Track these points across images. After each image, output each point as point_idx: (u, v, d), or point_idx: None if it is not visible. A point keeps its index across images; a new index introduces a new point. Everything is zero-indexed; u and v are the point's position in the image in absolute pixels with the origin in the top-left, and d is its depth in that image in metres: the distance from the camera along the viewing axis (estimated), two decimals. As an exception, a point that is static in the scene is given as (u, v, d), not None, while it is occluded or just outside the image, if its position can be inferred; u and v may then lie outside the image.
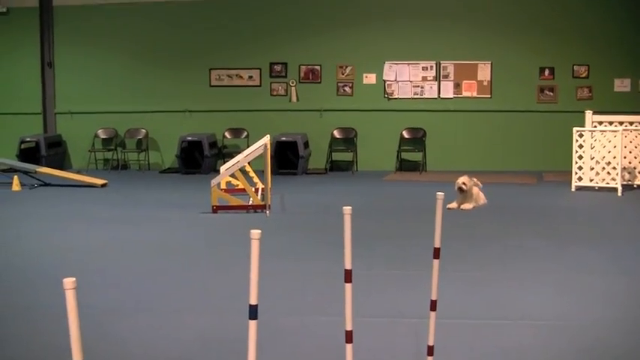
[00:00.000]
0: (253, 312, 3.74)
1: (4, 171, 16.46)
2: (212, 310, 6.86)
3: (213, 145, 17.84)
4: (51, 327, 6.35)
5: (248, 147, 15.19)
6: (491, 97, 17.64)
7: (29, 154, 17.88)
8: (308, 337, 6.08)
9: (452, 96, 17.78)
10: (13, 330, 6.39)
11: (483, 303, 6.88)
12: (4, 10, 19.14)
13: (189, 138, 17.52)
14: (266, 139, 12.60)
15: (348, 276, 4.27)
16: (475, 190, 12.34)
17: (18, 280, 8.10)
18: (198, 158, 17.58)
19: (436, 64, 17.78)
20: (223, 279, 8.02)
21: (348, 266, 4.25)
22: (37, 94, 19.22)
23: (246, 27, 18.28)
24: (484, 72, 17.67)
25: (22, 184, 15.28)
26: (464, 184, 12.05)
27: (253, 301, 3.74)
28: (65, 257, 9.20)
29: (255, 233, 3.69)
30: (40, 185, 15.59)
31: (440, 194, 4.72)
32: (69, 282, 3.19)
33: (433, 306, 4.81)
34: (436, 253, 4.74)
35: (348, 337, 4.35)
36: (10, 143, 18.31)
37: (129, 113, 18.77)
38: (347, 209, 4.17)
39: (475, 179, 12.45)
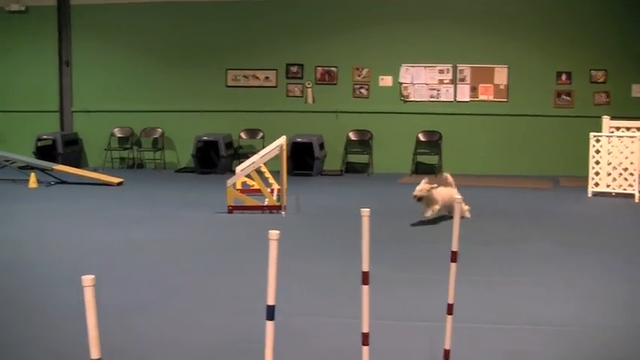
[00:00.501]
0: (271, 312, 3.75)
1: (21, 168, 16.54)
2: (226, 310, 6.86)
3: (229, 145, 17.86)
4: (66, 324, 6.37)
5: (264, 148, 15.19)
6: (507, 101, 17.59)
7: (46, 151, 17.96)
8: (323, 339, 6.08)
9: (468, 99, 17.75)
10: (27, 328, 6.42)
11: (494, 307, 6.87)
12: (23, 8, 19.25)
13: (205, 138, 17.55)
14: (282, 140, 12.60)
15: (365, 278, 4.27)
16: (434, 192, 11.18)
17: (33, 278, 8.13)
18: (214, 158, 17.60)
19: (453, 67, 17.75)
20: (238, 279, 8.03)
21: (365, 268, 4.26)
22: (55, 92, 19.32)
23: (263, 28, 18.30)
24: (501, 76, 17.63)
25: (39, 182, 15.36)
26: (420, 191, 11.04)
27: (271, 301, 3.75)
28: (80, 255, 9.23)
29: (274, 234, 3.70)
30: (57, 183, 15.65)
31: (458, 198, 4.72)
32: (87, 279, 3.20)
33: (450, 309, 4.81)
34: (453, 256, 4.73)
35: (365, 339, 4.35)
36: (28, 140, 18.42)
37: (145, 112, 18.82)
38: (365, 211, 4.18)
39: (448, 178, 11.83)
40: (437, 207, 11.06)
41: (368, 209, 4.16)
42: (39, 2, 19.18)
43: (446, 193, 11.34)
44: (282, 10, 18.20)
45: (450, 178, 11.78)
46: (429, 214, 11.07)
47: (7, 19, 19.39)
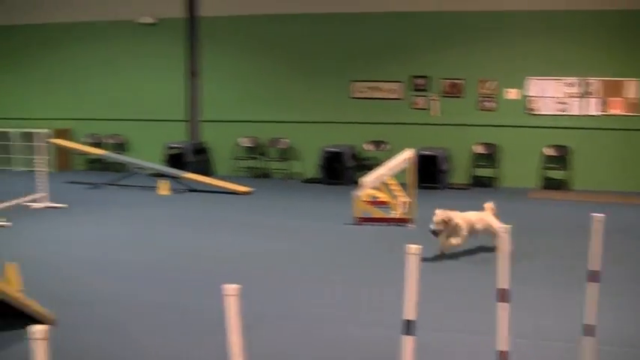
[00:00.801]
0: (409, 327, 3.76)
1: (151, 175, 17.04)
2: (359, 322, 6.90)
3: (354, 156, 17.95)
4: (190, 331, 6.53)
5: (389, 160, 15.19)
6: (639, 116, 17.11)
7: (175, 160, 18.43)
8: (457, 356, 6.03)
9: (597, 113, 17.32)
10: (162, 333, 6.60)
11: (629, 328, 6.70)
12: (155, 21, 19.83)
13: (331, 149, 17.68)
14: (409, 153, 12.58)
15: (503, 295, 4.24)
16: (459, 221, 9.83)
17: (166, 282, 8.37)
18: (338, 169, 17.69)
19: (581, 81, 17.37)
20: (370, 291, 8.06)
21: (503, 285, 4.23)
22: (183, 102, 19.80)
23: (389, 40, 18.31)
24: (631, 89, 17.15)
25: (170, 189, 15.78)
26: (437, 224, 9.63)
27: (410, 316, 3.76)
28: (210, 262, 9.44)
29: (414, 248, 3.72)
30: (186, 191, 16.03)
31: (599, 216, 4.64)
32: (231, 289, 3.28)
33: (589, 331, 4.72)
34: (594, 276, 4.65)
35: (503, 357, 4.31)
36: (156, 149, 19.03)
37: (271, 122, 19.11)
38: (504, 228, 4.15)
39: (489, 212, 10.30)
40: (464, 234, 9.83)
41: (507, 226, 4.14)
42: (169, 14, 19.76)
43: (476, 217, 10.13)
44: (408, 22, 18.16)
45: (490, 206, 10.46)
46: (454, 242, 9.79)
47: (137, 31, 20.06)
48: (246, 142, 19.27)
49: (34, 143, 15.09)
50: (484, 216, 10.18)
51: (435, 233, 9.62)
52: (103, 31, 20.46)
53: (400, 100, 18.40)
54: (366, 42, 18.47)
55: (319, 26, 18.74)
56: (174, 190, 15.88)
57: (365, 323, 6.84)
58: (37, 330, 2.88)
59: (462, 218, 9.86)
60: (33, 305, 6.81)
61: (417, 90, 18.30)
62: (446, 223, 9.62)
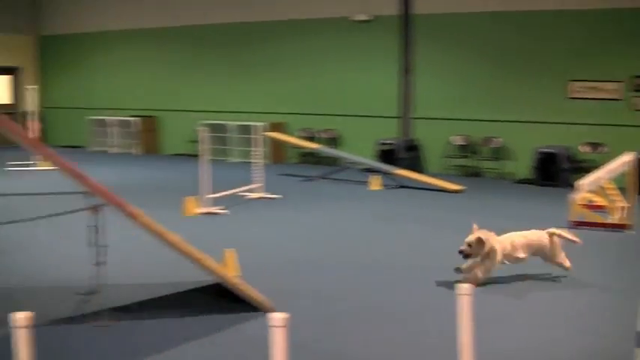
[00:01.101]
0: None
1: (363, 170, 17.32)
2: (581, 329, 6.76)
3: (569, 158, 17.47)
4: (408, 330, 6.58)
5: (606, 163, 14.70)
6: None
7: (386, 156, 18.63)
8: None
9: None
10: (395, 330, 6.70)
11: None
12: (369, 18, 20.10)
13: (545, 149, 17.31)
14: (629, 156, 12.14)
15: None
16: (495, 246, 8.30)
17: (380, 281, 8.50)
18: (552, 170, 17.27)
19: None
20: (589, 297, 7.89)
21: None
22: (396, 99, 19.94)
23: (608, 38, 17.63)
24: None
25: (381, 185, 15.98)
26: (469, 245, 8.19)
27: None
28: (426, 262, 9.52)
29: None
30: (398, 187, 16.16)
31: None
32: (464, 288, 3.28)
33: None
34: None
35: None
36: (367, 144, 19.36)
37: (484, 121, 18.90)
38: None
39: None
40: (494, 262, 8.27)
41: None
42: (383, 12, 20.01)
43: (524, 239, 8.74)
44: (629, 19, 17.42)
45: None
46: (479, 275, 8.15)
47: (352, 28, 20.46)
48: (458, 141, 19.18)
49: (251, 136, 15.66)
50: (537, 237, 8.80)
51: (463, 254, 8.23)
52: (318, 28, 20.99)
53: (619, 101, 17.71)
54: (583, 40, 17.89)
55: (535, 24, 18.33)
56: (385, 186, 16.06)
57: (587, 331, 6.67)
58: (277, 317, 2.97)
59: (502, 242, 8.46)
60: (250, 291, 7.06)
61: (637, 90, 17.56)
62: (479, 244, 8.17)
